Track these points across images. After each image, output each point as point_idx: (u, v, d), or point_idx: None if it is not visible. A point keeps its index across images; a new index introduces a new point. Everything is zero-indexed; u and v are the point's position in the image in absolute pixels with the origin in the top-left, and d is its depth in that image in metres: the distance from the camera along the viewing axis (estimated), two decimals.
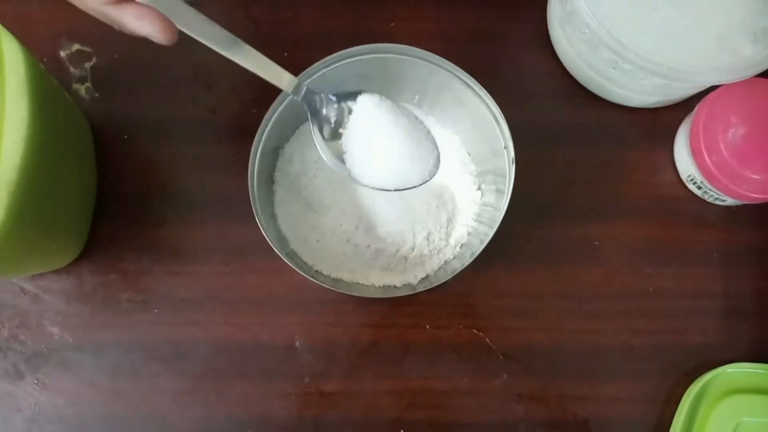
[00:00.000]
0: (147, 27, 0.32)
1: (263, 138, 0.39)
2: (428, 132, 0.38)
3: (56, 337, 0.43)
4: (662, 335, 0.43)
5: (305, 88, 0.36)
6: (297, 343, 0.43)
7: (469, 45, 0.46)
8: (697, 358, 0.43)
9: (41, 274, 0.43)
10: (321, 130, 0.37)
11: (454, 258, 0.42)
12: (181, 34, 0.46)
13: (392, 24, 0.46)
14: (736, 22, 0.38)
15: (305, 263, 0.41)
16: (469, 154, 0.43)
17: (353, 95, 0.37)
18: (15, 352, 0.43)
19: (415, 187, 0.38)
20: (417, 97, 0.43)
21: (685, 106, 0.45)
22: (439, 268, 0.42)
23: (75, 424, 0.42)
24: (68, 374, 0.42)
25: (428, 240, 0.41)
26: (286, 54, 0.45)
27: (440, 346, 0.43)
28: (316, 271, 0.41)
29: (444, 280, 0.38)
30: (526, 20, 0.46)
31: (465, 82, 0.39)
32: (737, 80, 0.37)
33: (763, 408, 0.41)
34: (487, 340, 0.43)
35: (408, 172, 0.37)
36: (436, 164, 0.38)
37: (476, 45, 0.46)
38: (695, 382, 0.42)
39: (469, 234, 0.42)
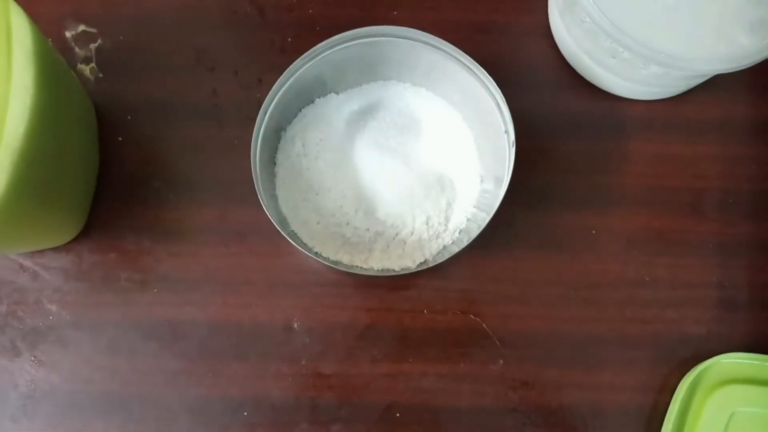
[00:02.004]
0: None
1: (265, 119, 0.39)
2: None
3: (54, 315, 0.43)
4: (657, 324, 0.44)
5: None
6: (295, 325, 0.43)
7: (470, 34, 0.46)
8: (691, 348, 0.43)
9: (41, 252, 0.43)
10: None
11: (452, 243, 0.42)
12: (183, 13, 0.47)
13: (395, 12, 0.46)
14: (733, 12, 0.38)
15: (305, 244, 0.41)
16: (473, 140, 0.44)
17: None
18: (13, 328, 0.43)
19: None
20: (419, 78, 0.43)
21: (683, 98, 0.46)
22: (438, 253, 0.42)
23: (71, 401, 0.42)
24: (65, 352, 0.43)
25: (427, 224, 0.42)
26: (290, 39, 0.46)
27: (437, 331, 0.43)
28: (316, 252, 0.41)
29: (441, 261, 0.38)
30: (527, 10, 0.47)
31: (467, 66, 0.39)
32: (734, 69, 0.38)
33: (757, 398, 0.41)
34: (484, 325, 0.43)
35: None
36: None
37: (477, 34, 0.46)
38: (690, 371, 0.42)
39: (468, 220, 0.42)
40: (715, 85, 0.45)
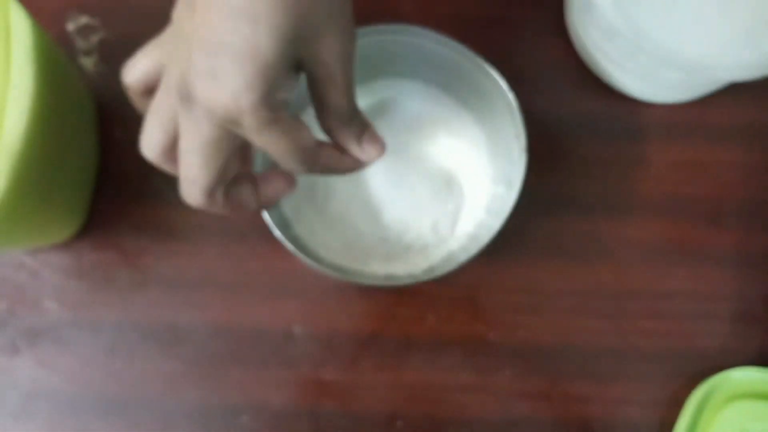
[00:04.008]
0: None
1: None
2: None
3: (54, 314, 0.42)
4: (671, 337, 0.42)
5: None
6: (296, 331, 0.42)
7: (484, 30, 0.44)
8: (705, 362, 0.42)
9: (41, 250, 0.43)
10: None
11: (460, 249, 0.41)
12: None
13: (405, 6, 0.45)
14: (759, 19, 0.36)
15: (307, 248, 0.40)
16: (484, 142, 0.42)
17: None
18: (12, 327, 0.42)
19: None
20: (431, 78, 0.42)
21: (705, 102, 0.44)
22: (444, 259, 0.41)
23: (70, 402, 0.42)
24: (65, 351, 0.42)
25: (433, 229, 0.41)
26: None
27: (442, 340, 0.42)
28: (318, 256, 0.40)
29: (448, 271, 0.37)
30: (542, 7, 0.45)
31: (479, 66, 0.38)
32: (760, 77, 0.36)
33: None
34: (492, 335, 0.42)
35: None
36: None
37: (491, 30, 0.45)
38: (700, 385, 0.41)
39: (476, 225, 0.41)
40: (739, 89, 0.44)
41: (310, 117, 0.41)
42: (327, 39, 0.27)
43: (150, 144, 0.29)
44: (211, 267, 0.43)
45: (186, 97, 0.25)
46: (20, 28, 0.33)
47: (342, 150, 0.31)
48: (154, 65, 0.29)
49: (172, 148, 0.28)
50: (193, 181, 0.28)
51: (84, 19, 0.45)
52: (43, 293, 0.43)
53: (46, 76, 0.34)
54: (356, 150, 0.31)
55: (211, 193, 0.28)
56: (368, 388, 0.42)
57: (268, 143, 0.27)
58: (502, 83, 0.38)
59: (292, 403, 0.42)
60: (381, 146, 0.32)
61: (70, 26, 0.45)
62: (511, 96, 0.38)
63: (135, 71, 0.30)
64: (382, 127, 0.41)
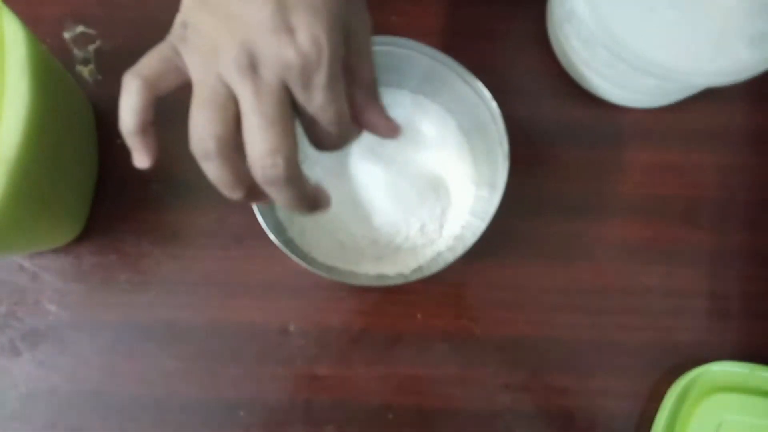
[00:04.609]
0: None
1: None
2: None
3: (54, 316, 0.43)
4: (648, 332, 0.44)
5: None
6: (291, 328, 0.44)
7: (469, 41, 0.46)
8: (681, 356, 0.44)
9: (41, 253, 0.44)
10: None
11: (447, 250, 0.43)
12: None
13: (393, 18, 0.46)
14: (733, 26, 0.38)
15: (301, 250, 0.41)
16: (469, 149, 0.44)
17: None
18: (12, 328, 0.43)
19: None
20: (418, 87, 0.43)
21: (680, 106, 0.46)
22: (432, 259, 0.42)
23: (69, 401, 0.43)
24: (64, 352, 0.43)
25: (422, 231, 0.42)
26: None
27: (430, 335, 0.44)
28: (312, 258, 0.41)
29: (436, 271, 0.39)
30: (525, 19, 0.47)
31: (462, 78, 0.40)
32: (732, 83, 0.38)
33: (746, 407, 0.42)
34: (477, 330, 0.44)
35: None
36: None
37: (475, 42, 0.46)
38: (679, 379, 0.43)
39: (462, 227, 0.43)
40: (713, 94, 0.45)
41: (299, 131, 0.43)
42: (361, 11, 0.29)
43: (210, 136, 0.27)
44: (209, 270, 0.44)
45: (250, 66, 0.26)
46: (14, 39, 0.34)
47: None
48: (165, 63, 0.29)
49: (232, 136, 0.27)
50: (276, 150, 0.26)
51: (80, 29, 0.46)
52: (43, 296, 0.44)
53: (41, 85, 0.34)
54: (383, 123, 0.32)
55: (296, 162, 0.27)
56: (360, 382, 0.43)
57: (325, 102, 0.27)
58: (486, 92, 0.39)
59: (287, 397, 0.43)
60: (398, 124, 0.33)
61: (67, 35, 0.46)
62: (494, 105, 0.39)
63: (150, 65, 0.29)
64: (371, 135, 0.43)
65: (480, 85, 0.39)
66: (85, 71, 0.46)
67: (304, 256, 0.40)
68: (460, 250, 0.39)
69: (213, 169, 0.28)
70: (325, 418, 0.43)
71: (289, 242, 0.40)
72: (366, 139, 0.43)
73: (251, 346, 0.43)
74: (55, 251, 0.44)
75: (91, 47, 0.46)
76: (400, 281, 0.40)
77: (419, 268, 0.42)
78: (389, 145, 0.43)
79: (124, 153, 0.45)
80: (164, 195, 0.44)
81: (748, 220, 0.45)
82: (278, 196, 0.28)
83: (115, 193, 0.45)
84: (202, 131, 0.27)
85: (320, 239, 0.42)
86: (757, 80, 0.40)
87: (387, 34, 0.39)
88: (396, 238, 0.42)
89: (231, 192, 0.29)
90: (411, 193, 0.42)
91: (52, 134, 0.37)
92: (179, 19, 0.29)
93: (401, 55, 0.40)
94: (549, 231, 0.45)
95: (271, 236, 0.38)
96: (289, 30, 0.26)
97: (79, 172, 0.42)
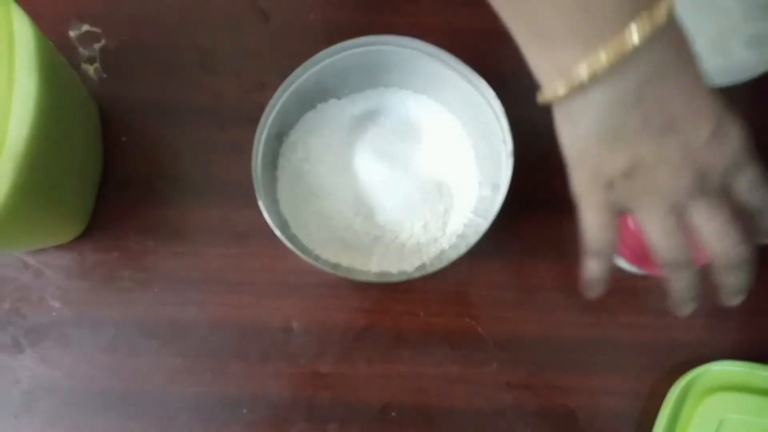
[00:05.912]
0: None
1: (268, 123, 0.40)
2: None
3: (57, 312, 0.44)
4: (650, 331, 0.44)
5: None
6: (294, 326, 0.44)
7: (473, 39, 0.46)
8: (683, 355, 0.44)
9: (44, 250, 0.44)
10: None
11: (450, 248, 0.43)
12: (187, 15, 0.47)
13: (397, 18, 0.47)
14: (730, 27, 0.39)
15: (305, 247, 0.41)
16: (472, 148, 0.44)
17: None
18: (15, 325, 0.43)
19: None
20: (422, 87, 0.44)
21: None
22: (435, 257, 0.42)
23: (71, 397, 0.43)
24: (67, 349, 0.43)
25: (425, 229, 0.42)
26: (292, 44, 0.46)
27: (433, 334, 0.44)
28: (316, 255, 0.42)
29: (439, 269, 0.39)
30: None
31: (466, 77, 0.40)
32: (730, 84, 0.38)
33: (747, 406, 0.42)
34: (479, 329, 0.44)
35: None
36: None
37: (479, 40, 0.46)
38: (680, 378, 0.43)
39: (465, 225, 0.43)
40: None
41: (321, 113, 0.43)
42: None
43: (675, 249, 0.32)
44: (212, 267, 0.44)
45: (703, 177, 0.30)
46: (23, 35, 0.34)
47: None
48: (608, 206, 0.33)
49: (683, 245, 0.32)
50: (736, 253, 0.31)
51: (85, 27, 0.46)
52: (46, 292, 0.44)
53: (49, 81, 0.35)
54: None
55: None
56: (362, 380, 0.43)
57: (727, 207, 0.30)
58: (489, 91, 0.40)
59: (289, 394, 0.43)
60: None
61: (72, 34, 0.46)
62: (497, 104, 0.39)
63: (606, 227, 0.34)
64: (375, 134, 0.43)
65: (483, 84, 0.40)
66: (90, 69, 0.46)
67: (308, 254, 0.41)
68: (463, 248, 0.39)
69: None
70: (328, 415, 0.43)
71: (293, 239, 0.41)
72: (370, 137, 0.43)
73: (254, 343, 0.43)
74: (59, 248, 0.44)
75: (97, 46, 0.46)
76: (403, 279, 0.40)
77: (422, 266, 0.42)
78: (393, 144, 0.43)
79: (128, 151, 0.46)
80: (168, 192, 0.45)
81: None
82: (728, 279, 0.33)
83: (119, 190, 0.45)
84: (672, 248, 0.32)
85: (324, 236, 0.42)
86: (757, 80, 0.40)
87: (390, 33, 0.40)
88: (399, 236, 0.42)
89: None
90: (414, 192, 0.42)
91: (59, 130, 0.37)
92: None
93: (405, 54, 0.40)
94: (551, 230, 0.45)
95: (277, 232, 0.38)
96: (719, 139, 0.30)
97: (83, 168, 0.42)
